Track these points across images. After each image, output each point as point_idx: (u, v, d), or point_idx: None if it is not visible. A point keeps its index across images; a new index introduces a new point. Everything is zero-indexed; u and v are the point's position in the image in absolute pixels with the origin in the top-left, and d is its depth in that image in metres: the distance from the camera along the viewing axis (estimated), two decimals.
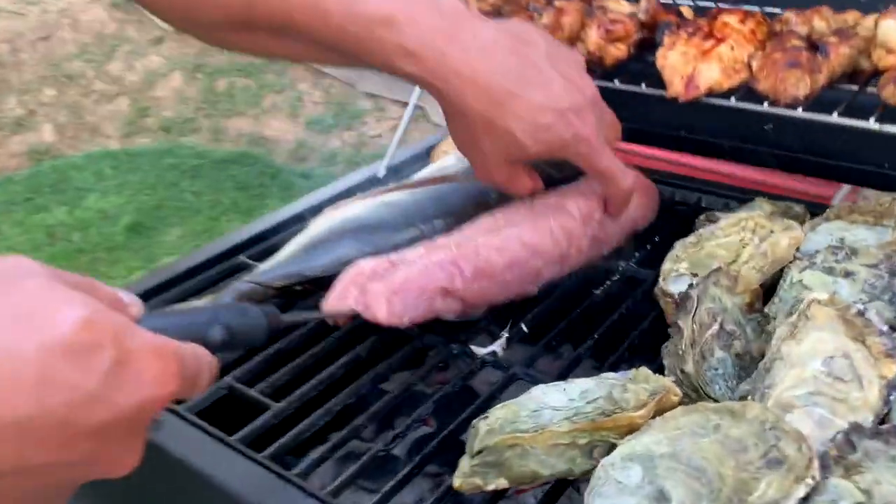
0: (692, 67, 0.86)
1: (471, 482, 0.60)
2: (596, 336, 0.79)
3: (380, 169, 1.11)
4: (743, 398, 0.61)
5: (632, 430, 0.58)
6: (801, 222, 0.83)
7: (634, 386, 0.60)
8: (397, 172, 1.11)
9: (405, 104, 1.25)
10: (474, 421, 0.62)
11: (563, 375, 0.73)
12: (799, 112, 0.82)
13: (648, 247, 0.93)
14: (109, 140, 4.01)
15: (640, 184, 0.94)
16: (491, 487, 0.60)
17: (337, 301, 0.75)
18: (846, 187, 1.06)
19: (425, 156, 1.16)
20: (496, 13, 0.99)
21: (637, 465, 0.54)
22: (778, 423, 0.55)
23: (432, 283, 0.76)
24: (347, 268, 0.78)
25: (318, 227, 0.89)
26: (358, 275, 0.77)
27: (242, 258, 0.94)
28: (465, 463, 0.61)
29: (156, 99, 4.24)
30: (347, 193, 1.01)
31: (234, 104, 4.13)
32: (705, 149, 1.07)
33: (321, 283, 0.87)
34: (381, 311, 0.73)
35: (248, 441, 0.68)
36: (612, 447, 0.60)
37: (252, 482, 0.63)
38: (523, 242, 0.81)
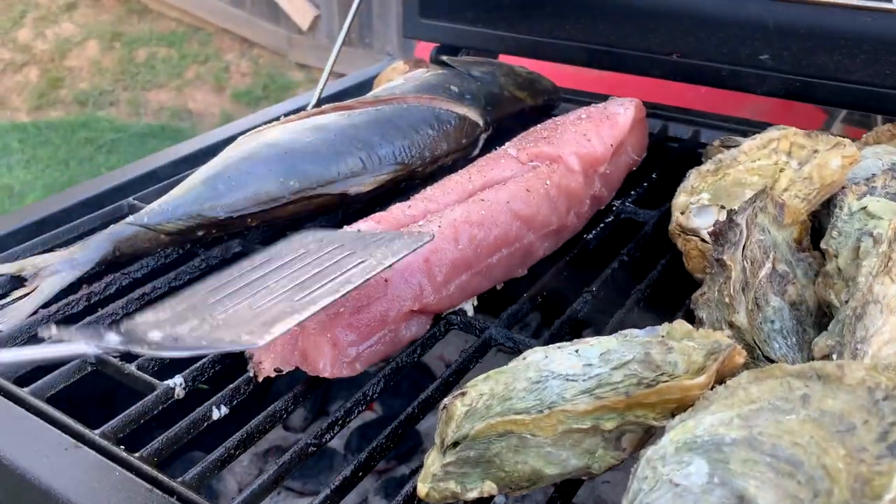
0: None
1: (443, 488, 0.41)
2: (594, 288, 0.61)
3: (311, 100, 0.91)
4: (825, 358, 0.44)
5: (682, 406, 0.39)
6: None
7: (678, 344, 0.42)
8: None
9: (341, 76, 1.06)
10: (446, 400, 0.43)
11: (557, 339, 0.54)
12: None
13: (645, 184, 0.75)
14: (17, 113, 3.70)
15: (638, 117, 0.76)
16: (472, 495, 0.41)
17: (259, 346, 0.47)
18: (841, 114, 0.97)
19: (368, 87, 0.96)
20: None
21: (699, 457, 0.36)
22: (895, 389, 0.38)
23: (395, 305, 0.52)
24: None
25: (227, 156, 0.69)
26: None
27: (131, 200, 0.73)
28: (433, 461, 0.42)
29: (69, 69, 3.93)
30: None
31: (154, 75, 3.85)
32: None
33: (228, 228, 0.66)
34: (324, 362, 0.49)
35: (118, 436, 0.47)
36: (647, 433, 0.41)
37: (116, 496, 0.42)
38: (513, 212, 0.60)
